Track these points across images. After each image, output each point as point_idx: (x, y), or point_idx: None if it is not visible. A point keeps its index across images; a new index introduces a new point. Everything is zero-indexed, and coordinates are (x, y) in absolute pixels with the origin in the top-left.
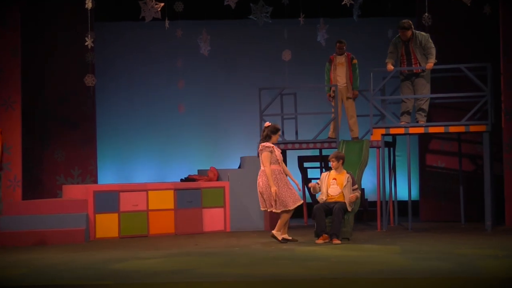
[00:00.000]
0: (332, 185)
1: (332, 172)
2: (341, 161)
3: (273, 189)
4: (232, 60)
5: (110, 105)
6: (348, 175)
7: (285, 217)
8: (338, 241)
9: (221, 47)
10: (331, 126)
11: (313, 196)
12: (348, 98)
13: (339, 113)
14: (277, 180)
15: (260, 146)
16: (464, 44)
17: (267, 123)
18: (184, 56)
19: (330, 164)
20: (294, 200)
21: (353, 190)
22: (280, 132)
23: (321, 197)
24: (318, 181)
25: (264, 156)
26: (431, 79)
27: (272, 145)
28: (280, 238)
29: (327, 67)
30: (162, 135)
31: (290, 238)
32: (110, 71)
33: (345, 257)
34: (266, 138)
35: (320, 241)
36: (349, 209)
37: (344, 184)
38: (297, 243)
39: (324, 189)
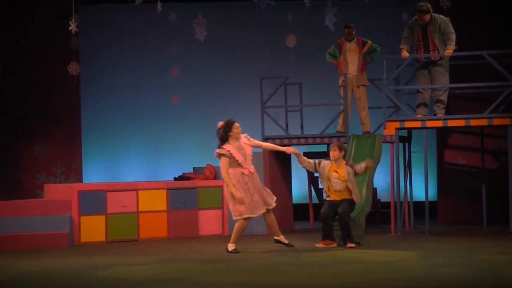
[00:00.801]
0: (334, 179)
1: (333, 164)
2: (343, 152)
3: (232, 191)
4: (230, 46)
5: (96, 96)
6: (347, 167)
7: (240, 225)
8: (353, 244)
9: (218, 32)
10: (340, 119)
11: (320, 196)
12: (359, 86)
13: (349, 104)
14: (240, 183)
15: (215, 154)
16: (482, 27)
17: (220, 123)
18: (178, 42)
19: (331, 154)
20: (252, 209)
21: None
22: (236, 123)
23: (325, 192)
24: (318, 161)
25: (221, 163)
26: (449, 67)
27: (228, 148)
28: (230, 249)
29: (332, 50)
30: (154, 129)
31: (235, 249)
32: (96, 59)
33: (355, 264)
34: (223, 140)
35: (320, 245)
36: (356, 199)
37: (345, 178)
38: (303, 249)
39: (325, 184)
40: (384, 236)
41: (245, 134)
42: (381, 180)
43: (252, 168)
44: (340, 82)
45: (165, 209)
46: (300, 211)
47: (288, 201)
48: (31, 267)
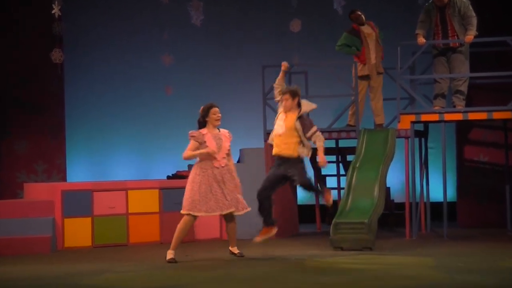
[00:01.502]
0: (279, 120)
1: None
2: (296, 99)
3: (200, 152)
4: (229, 32)
5: (82, 86)
6: (300, 121)
7: (182, 223)
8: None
9: (216, 16)
10: (350, 112)
11: None
12: (379, 74)
13: (363, 96)
14: (204, 175)
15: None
16: (503, 9)
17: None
18: (171, 27)
19: (283, 104)
20: (203, 206)
21: (312, 138)
22: (215, 108)
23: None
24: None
25: (188, 146)
26: (470, 55)
27: (202, 131)
28: (168, 257)
29: (349, 39)
30: (146, 122)
31: (173, 258)
32: (81, 45)
33: (367, 271)
34: (200, 126)
35: (259, 238)
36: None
37: (292, 127)
38: (309, 255)
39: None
40: (398, 240)
41: (227, 132)
42: (395, 178)
43: (224, 163)
44: (359, 71)
45: (157, 210)
46: (306, 213)
47: (293, 202)
48: (8, 275)
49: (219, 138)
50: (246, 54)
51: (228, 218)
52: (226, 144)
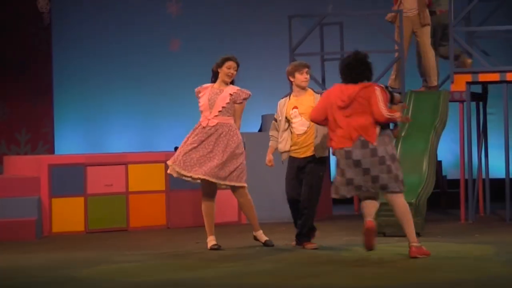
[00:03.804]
0: (295, 117)
1: (292, 98)
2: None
3: None
4: None
5: (72, 40)
6: (317, 95)
7: (203, 207)
8: (313, 245)
9: None
10: (393, 71)
11: None
12: (424, 25)
13: (406, 51)
14: (188, 136)
15: None
16: None
17: None
18: None
19: (303, 77)
20: (186, 165)
21: None
22: (231, 62)
23: (281, 148)
24: (274, 122)
25: None
26: None
27: (203, 86)
28: (209, 245)
29: None
30: (148, 82)
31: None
32: None
33: (414, 261)
34: (213, 74)
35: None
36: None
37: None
38: (344, 242)
39: (284, 135)
40: (451, 224)
41: (237, 88)
42: (447, 151)
43: (214, 122)
44: (392, 18)
45: (163, 189)
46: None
47: (324, 181)
48: None
49: (216, 94)
50: (269, 2)
51: (235, 193)
52: (221, 101)
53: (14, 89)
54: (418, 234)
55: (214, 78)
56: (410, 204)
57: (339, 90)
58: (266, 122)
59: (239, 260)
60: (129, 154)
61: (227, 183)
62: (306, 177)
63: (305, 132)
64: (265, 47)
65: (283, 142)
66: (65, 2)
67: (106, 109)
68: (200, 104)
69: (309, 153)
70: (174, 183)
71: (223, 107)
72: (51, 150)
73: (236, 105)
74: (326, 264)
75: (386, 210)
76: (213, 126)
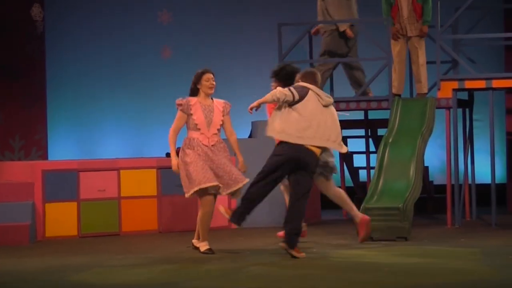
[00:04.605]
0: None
1: None
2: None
3: (172, 159)
4: None
5: (65, 48)
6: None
7: (200, 213)
8: (283, 245)
9: None
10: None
11: (355, 178)
12: (415, 36)
13: (395, 60)
14: (194, 151)
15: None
16: None
17: None
18: None
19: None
20: (202, 178)
21: None
22: (208, 75)
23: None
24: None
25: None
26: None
27: (190, 100)
28: (202, 249)
29: None
30: (140, 89)
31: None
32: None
33: (402, 266)
34: (192, 94)
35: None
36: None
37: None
38: (333, 246)
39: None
40: (438, 229)
41: (223, 102)
42: (434, 157)
43: (214, 140)
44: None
45: (155, 194)
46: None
47: (314, 185)
48: None
49: (209, 110)
50: (259, 10)
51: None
52: (217, 119)
53: (8, 96)
54: (405, 239)
55: (194, 94)
56: (397, 209)
57: None
58: (256, 129)
59: (230, 264)
60: (121, 160)
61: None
62: None
63: None
64: (255, 55)
65: None
66: (59, 11)
67: (98, 116)
68: (196, 121)
69: None
70: (166, 189)
71: (220, 124)
72: (45, 156)
73: (223, 117)
74: (315, 268)
75: (374, 214)
76: (213, 145)
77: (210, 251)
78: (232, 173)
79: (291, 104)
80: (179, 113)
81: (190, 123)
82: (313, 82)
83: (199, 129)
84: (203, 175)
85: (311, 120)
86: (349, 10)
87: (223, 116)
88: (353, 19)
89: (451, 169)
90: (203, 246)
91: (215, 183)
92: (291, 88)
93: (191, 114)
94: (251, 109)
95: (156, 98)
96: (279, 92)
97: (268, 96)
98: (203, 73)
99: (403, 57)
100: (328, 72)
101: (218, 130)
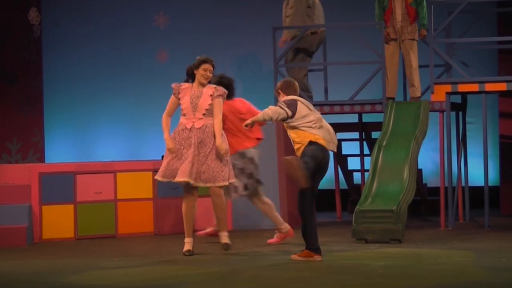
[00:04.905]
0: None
1: None
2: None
3: (166, 141)
4: None
5: (62, 51)
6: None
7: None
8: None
9: None
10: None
11: (349, 181)
12: (408, 40)
13: (388, 63)
14: (177, 136)
15: None
16: None
17: None
18: None
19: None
20: (170, 172)
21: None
22: (207, 65)
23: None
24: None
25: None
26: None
27: (182, 85)
28: (185, 248)
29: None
30: (136, 93)
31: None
32: (61, 3)
33: (396, 268)
34: (187, 76)
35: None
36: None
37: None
38: (327, 249)
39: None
40: (431, 231)
41: (214, 87)
42: (428, 159)
43: (199, 124)
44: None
45: (151, 196)
46: (324, 199)
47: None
48: None
49: (197, 96)
50: (254, 14)
51: (210, 192)
52: (204, 103)
53: (5, 99)
54: (399, 241)
55: (191, 79)
56: (391, 211)
57: None
58: None
59: (226, 266)
60: (117, 162)
61: (219, 183)
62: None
63: None
64: (250, 58)
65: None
66: (55, 15)
67: (95, 119)
68: (182, 106)
69: None
70: (162, 191)
71: (206, 109)
72: (42, 159)
73: (213, 101)
74: (310, 270)
75: (367, 217)
76: (199, 128)
77: (188, 252)
78: (214, 169)
79: (285, 120)
80: (171, 97)
81: (182, 107)
82: (295, 92)
83: (184, 114)
84: (167, 168)
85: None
86: (311, 18)
87: (212, 100)
88: (346, 22)
89: (444, 171)
90: (185, 245)
91: (159, 179)
92: (282, 105)
93: (179, 99)
94: (245, 126)
95: (152, 101)
96: (272, 111)
97: (260, 115)
98: (203, 61)
99: (396, 60)
100: (307, 76)
101: (204, 115)
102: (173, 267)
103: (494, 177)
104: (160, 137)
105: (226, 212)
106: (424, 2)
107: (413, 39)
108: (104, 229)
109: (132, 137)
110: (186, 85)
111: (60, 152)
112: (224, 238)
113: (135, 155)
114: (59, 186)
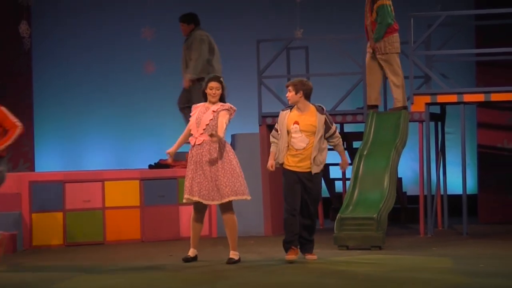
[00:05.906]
0: (295, 133)
1: (294, 111)
2: (301, 93)
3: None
4: (220, 0)
5: (51, 64)
6: (321, 115)
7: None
8: (314, 257)
9: None
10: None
11: (331, 189)
12: (379, 55)
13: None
14: (189, 156)
15: None
16: None
17: None
18: None
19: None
20: (189, 190)
21: (331, 140)
22: (212, 83)
23: (279, 159)
24: (273, 136)
25: None
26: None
27: (196, 106)
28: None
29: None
30: (124, 103)
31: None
32: (51, 17)
33: (377, 274)
34: (203, 96)
35: (291, 256)
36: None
37: (317, 129)
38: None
39: (282, 144)
40: (411, 238)
41: (221, 104)
42: (407, 168)
43: (200, 140)
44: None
45: (138, 204)
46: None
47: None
48: None
49: (203, 113)
50: (239, 26)
51: (220, 209)
52: (207, 118)
53: None
54: (379, 248)
55: (205, 98)
56: (372, 219)
57: None
58: (236, 142)
59: (211, 272)
60: (105, 171)
61: (227, 199)
62: (310, 192)
63: (303, 149)
64: (234, 70)
65: (281, 154)
66: (45, 28)
67: (83, 129)
68: (190, 124)
69: (308, 169)
70: (149, 199)
71: (207, 124)
72: (32, 168)
73: (215, 116)
74: (292, 275)
75: (349, 224)
76: (200, 144)
77: (186, 259)
78: (220, 186)
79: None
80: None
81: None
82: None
83: (191, 131)
84: (190, 187)
85: None
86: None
87: (214, 115)
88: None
89: (424, 180)
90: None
91: (191, 197)
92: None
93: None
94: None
95: (140, 111)
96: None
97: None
98: (209, 80)
99: (373, 69)
100: None
101: (204, 130)
102: (160, 273)
103: (472, 185)
104: (147, 146)
105: (235, 229)
106: (385, 17)
107: (385, 53)
108: (92, 236)
109: (120, 147)
110: (199, 105)
111: (49, 161)
112: (232, 254)
113: (123, 164)
114: (49, 194)
